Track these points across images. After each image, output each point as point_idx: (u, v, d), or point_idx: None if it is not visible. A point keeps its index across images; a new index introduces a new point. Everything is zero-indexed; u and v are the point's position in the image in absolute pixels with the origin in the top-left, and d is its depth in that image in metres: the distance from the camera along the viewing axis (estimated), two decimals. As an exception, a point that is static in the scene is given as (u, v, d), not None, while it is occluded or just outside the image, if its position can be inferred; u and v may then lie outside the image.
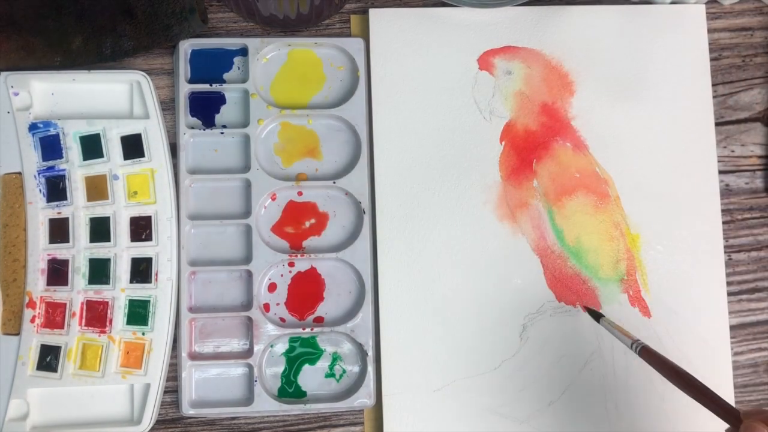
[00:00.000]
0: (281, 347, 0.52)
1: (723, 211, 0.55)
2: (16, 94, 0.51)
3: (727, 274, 0.54)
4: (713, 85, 0.56)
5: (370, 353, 0.52)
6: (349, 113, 0.53)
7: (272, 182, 0.52)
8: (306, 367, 0.52)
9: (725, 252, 0.55)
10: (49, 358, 0.50)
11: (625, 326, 0.53)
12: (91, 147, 0.51)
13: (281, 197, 0.53)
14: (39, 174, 0.51)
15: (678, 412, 0.52)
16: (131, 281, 0.51)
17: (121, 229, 0.51)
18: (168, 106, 0.54)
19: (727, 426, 0.42)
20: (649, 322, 0.53)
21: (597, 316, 0.52)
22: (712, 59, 0.56)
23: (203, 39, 0.53)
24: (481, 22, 0.55)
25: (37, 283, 0.50)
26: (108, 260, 0.51)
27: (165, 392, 0.51)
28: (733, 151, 0.56)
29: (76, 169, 0.51)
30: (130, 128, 0.52)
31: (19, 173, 0.51)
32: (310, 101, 0.54)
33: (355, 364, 0.52)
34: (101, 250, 0.51)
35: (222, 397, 0.51)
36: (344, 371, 0.52)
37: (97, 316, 0.50)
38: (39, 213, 0.51)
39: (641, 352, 0.46)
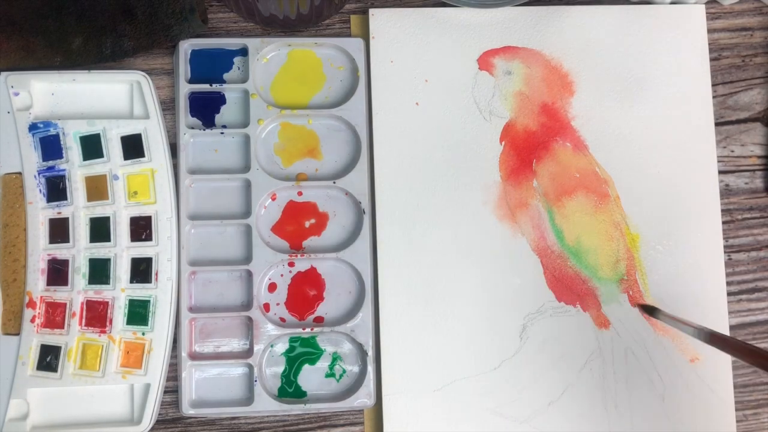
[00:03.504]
0: (281, 347, 0.52)
1: (723, 211, 0.55)
2: (17, 94, 0.51)
3: (727, 274, 0.54)
4: (713, 85, 0.56)
5: (370, 353, 0.52)
6: (349, 113, 0.53)
7: (272, 182, 0.53)
8: (306, 367, 0.52)
9: (725, 252, 0.55)
10: (49, 358, 0.50)
11: (625, 326, 0.53)
12: (91, 147, 0.51)
13: (281, 197, 0.53)
14: (39, 174, 0.51)
15: (678, 412, 0.52)
16: (131, 281, 0.51)
17: (121, 229, 0.51)
18: (168, 106, 0.54)
19: None
20: (649, 323, 0.53)
21: (651, 310, 0.51)
22: (712, 59, 0.57)
23: (203, 39, 0.53)
24: (481, 22, 0.55)
25: (37, 283, 0.50)
26: (108, 260, 0.51)
27: (165, 392, 0.51)
28: (733, 151, 0.56)
29: (76, 169, 0.51)
30: (130, 128, 0.52)
31: (19, 173, 0.51)
32: (310, 101, 0.54)
33: (355, 364, 0.52)
34: (101, 250, 0.51)
35: (222, 397, 0.51)
36: (344, 371, 0.52)
37: (97, 316, 0.50)
38: (39, 213, 0.51)
39: (710, 339, 0.44)
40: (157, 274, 0.51)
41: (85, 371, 0.50)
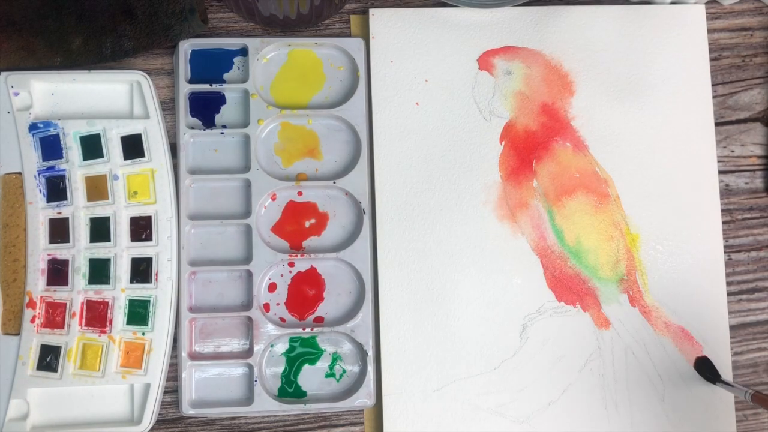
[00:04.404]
0: (281, 347, 0.52)
1: (723, 211, 0.55)
2: (17, 94, 0.51)
3: (727, 274, 0.54)
4: (713, 85, 0.56)
5: (370, 353, 0.52)
6: (349, 113, 0.53)
7: (272, 182, 0.53)
8: (306, 367, 0.52)
9: (725, 252, 0.55)
10: (49, 358, 0.50)
11: (625, 326, 0.53)
12: (91, 147, 0.51)
13: (281, 197, 0.53)
14: (39, 174, 0.51)
15: (678, 412, 0.52)
16: (131, 281, 0.51)
17: (121, 229, 0.51)
18: (168, 106, 0.54)
19: None
20: (649, 322, 0.53)
21: (712, 378, 0.52)
22: (711, 59, 0.57)
23: (203, 39, 0.53)
24: (481, 22, 0.55)
25: (37, 283, 0.50)
26: (108, 260, 0.51)
27: (165, 392, 0.51)
28: (733, 151, 0.56)
29: (76, 169, 0.51)
30: (130, 128, 0.52)
31: (19, 173, 0.51)
32: (310, 101, 0.54)
33: (355, 364, 0.52)
34: (101, 250, 0.51)
35: (222, 397, 0.51)
36: (344, 371, 0.52)
37: (97, 316, 0.50)
38: (39, 213, 0.51)
39: (752, 398, 0.48)
40: (157, 274, 0.51)
41: (85, 371, 0.50)
